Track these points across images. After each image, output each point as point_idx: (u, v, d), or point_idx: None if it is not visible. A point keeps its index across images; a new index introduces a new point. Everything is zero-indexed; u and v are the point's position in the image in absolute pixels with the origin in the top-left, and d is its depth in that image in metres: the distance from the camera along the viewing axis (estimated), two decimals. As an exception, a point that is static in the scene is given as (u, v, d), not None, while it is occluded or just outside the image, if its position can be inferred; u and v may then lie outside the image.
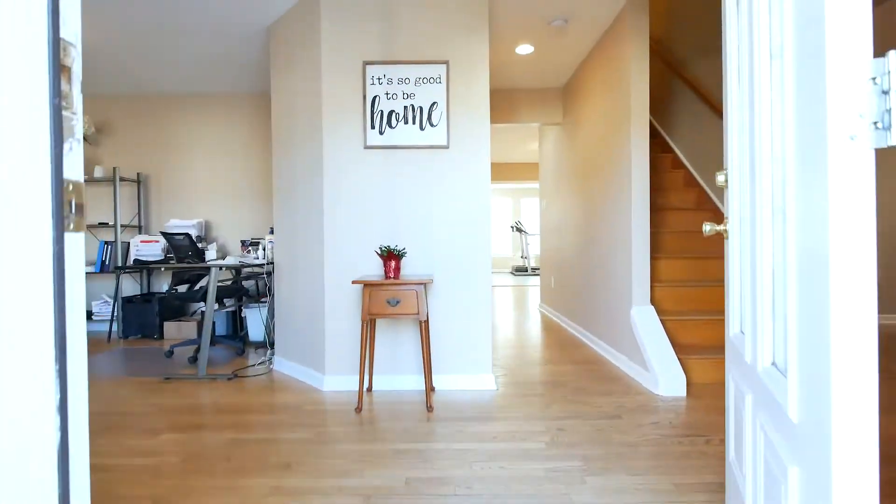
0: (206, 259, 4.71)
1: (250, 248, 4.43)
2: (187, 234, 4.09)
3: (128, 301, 4.61)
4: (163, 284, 4.96)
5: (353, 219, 2.87)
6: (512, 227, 13.33)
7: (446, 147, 2.84)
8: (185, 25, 3.32)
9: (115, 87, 4.67)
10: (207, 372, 3.31)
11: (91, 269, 4.67)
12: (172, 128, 4.95)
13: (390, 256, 2.57)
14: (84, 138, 4.73)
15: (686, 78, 4.33)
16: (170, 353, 3.80)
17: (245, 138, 4.94)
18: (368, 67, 2.85)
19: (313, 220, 2.95)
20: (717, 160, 3.94)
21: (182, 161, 4.96)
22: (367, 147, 2.85)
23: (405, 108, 2.85)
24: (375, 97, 2.85)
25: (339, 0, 2.85)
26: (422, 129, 2.84)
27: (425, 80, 2.84)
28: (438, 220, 2.86)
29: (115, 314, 4.61)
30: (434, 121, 2.84)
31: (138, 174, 4.90)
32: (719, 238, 3.73)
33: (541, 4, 3.10)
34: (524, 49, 3.79)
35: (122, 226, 4.72)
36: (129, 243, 4.78)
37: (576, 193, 4.27)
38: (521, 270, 12.43)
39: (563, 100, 4.71)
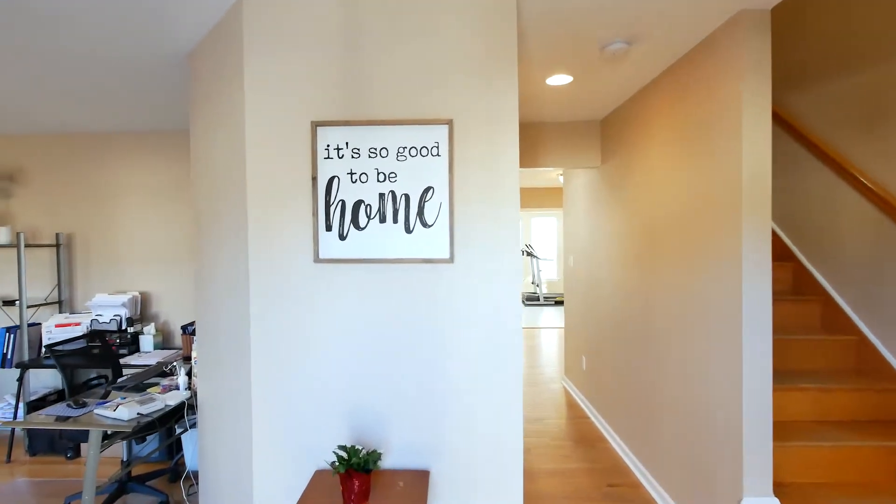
0: (140, 346, 3.65)
1: (192, 336, 3.35)
2: (95, 334, 3.02)
3: (37, 405, 3.55)
4: (91, 373, 3.88)
5: (298, 369, 1.77)
6: (522, 252, 12.21)
7: (448, 260, 1.73)
8: (89, 52, 2.24)
9: (27, 126, 3.60)
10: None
11: (-9, 362, 3.60)
12: (100, 173, 3.87)
13: (351, 475, 1.47)
14: (-14, 190, 3.67)
15: (773, 109, 3.19)
16: (66, 508, 2.73)
17: (189, 183, 3.84)
18: (321, 131, 1.74)
19: (238, 358, 1.85)
20: (820, 222, 2.81)
21: (113, 215, 3.88)
22: (319, 260, 1.75)
23: (381, 196, 1.74)
24: (333, 179, 1.75)
25: (273, 22, 1.75)
26: (409, 230, 1.74)
27: (414, 152, 1.73)
28: (439, 376, 1.76)
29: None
30: (428, 217, 1.74)
31: (57, 235, 3.83)
32: (858, 349, 2.60)
33: (599, 24, 1.98)
34: (559, 80, 2.68)
35: (35, 305, 3.65)
36: (40, 327, 3.71)
37: (622, 267, 3.15)
38: (532, 299, 11.31)
39: (602, 137, 3.59)
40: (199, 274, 2.19)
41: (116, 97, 2.95)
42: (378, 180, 1.74)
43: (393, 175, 1.74)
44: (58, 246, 3.83)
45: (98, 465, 2.31)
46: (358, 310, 1.75)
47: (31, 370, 3.84)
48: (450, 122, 1.71)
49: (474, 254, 1.72)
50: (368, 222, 1.74)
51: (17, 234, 3.53)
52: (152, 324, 3.71)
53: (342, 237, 1.75)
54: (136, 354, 3.48)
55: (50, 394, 3.72)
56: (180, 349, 3.62)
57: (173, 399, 2.34)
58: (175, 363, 2.72)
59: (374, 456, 1.50)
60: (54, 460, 3.41)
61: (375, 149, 1.74)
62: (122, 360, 3.27)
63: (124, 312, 3.62)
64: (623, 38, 2.13)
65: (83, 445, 3.47)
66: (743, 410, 1.89)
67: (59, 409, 2.34)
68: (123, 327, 3.59)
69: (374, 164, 1.74)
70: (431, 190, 1.73)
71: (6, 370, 3.92)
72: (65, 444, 3.48)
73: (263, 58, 1.75)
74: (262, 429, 1.79)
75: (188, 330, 3.40)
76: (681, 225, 2.38)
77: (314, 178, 1.74)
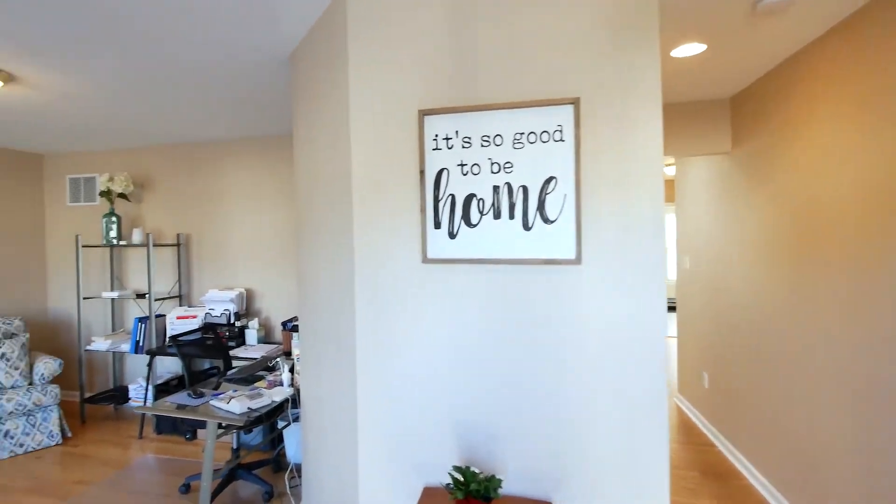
0: (246, 339, 3.84)
1: (292, 332, 3.44)
2: (208, 326, 3.19)
3: (162, 388, 3.88)
4: (204, 362, 4.18)
5: (405, 376, 1.65)
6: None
7: (574, 261, 1.50)
8: (195, 62, 2.33)
9: (154, 138, 3.94)
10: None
11: (127, 348, 4.00)
12: (211, 178, 4.15)
13: (470, 502, 1.30)
14: (124, 197, 4.09)
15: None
16: (185, 489, 2.91)
17: (291, 185, 3.98)
18: (429, 120, 1.60)
19: (343, 360, 1.78)
20: None
21: (221, 216, 4.13)
22: (427, 260, 1.61)
23: (495, 189, 1.56)
24: (442, 172, 1.60)
25: (378, 8, 1.63)
26: (527, 226, 1.54)
27: (533, 138, 1.52)
28: (563, 392, 1.53)
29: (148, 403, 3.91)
30: (550, 212, 1.52)
31: (178, 235, 4.17)
32: None
33: (754, -30, 1.62)
34: (688, 50, 2.31)
35: (160, 298, 4.01)
36: (165, 318, 4.06)
37: (766, 270, 2.68)
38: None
39: (732, 118, 3.10)
40: (302, 273, 2.17)
41: (225, 107, 3.08)
42: (492, 171, 1.55)
43: (508, 165, 1.54)
44: (178, 245, 4.16)
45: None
46: (469, 315, 1.59)
47: (157, 357, 4.22)
48: (575, 102, 1.48)
49: (606, 254, 1.47)
50: (481, 218, 1.57)
51: (147, 234, 3.89)
52: (256, 319, 3.89)
53: (452, 235, 1.59)
54: (243, 347, 3.66)
55: (172, 378, 4.06)
56: (281, 344, 3.75)
57: (278, 395, 2.37)
58: (278, 359, 2.78)
59: (494, 483, 1.32)
60: (176, 440, 3.70)
61: (488, 136, 1.55)
62: (230, 352, 3.46)
63: (232, 307, 3.83)
64: (786, -11, 1.74)
65: (200, 430, 3.73)
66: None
67: (181, 397, 2.47)
68: (232, 321, 3.79)
69: (487, 154, 1.56)
70: (554, 181, 1.51)
71: (139, 355, 4.36)
72: (185, 427, 3.76)
73: (368, 47, 1.64)
74: (368, 435, 1.69)
75: (288, 326, 3.50)
76: (865, 218, 1.91)
77: (422, 172, 1.60)
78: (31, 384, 3.58)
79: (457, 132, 1.58)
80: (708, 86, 2.87)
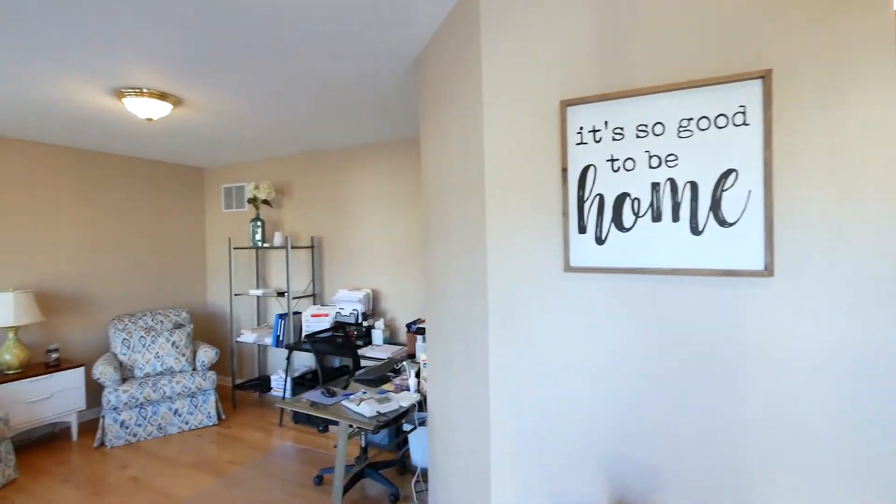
0: (372, 339, 3.99)
1: (416, 334, 3.49)
2: (338, 325, 3.35)
3: (298, 381, 4.20)
4: (335, 359, 4.46)
5: (545, 397, 1.50)
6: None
7: (763, 272, 1.21)
8: (333, 73, 2.45)
9: (294, 148, 4.32)
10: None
11: (269, 341, 4.43)
12: (341, 183, 4.41)
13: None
14: (267, 203, 4.54)
15: None
16: (318, 481, 3.08)
17: (413, 189, 4.05)
18: (572, 111, 1.42)
19: (474, 372, 1.68)
20: None
21: (350, 220, 4.37)
22: (569, 268, 1.44)
23: (654, 186, 1.33)
24: (588, 169, 1.41)
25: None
26: (696, 230, 1.28)
27: (705, 123, 1.26)
28: (747, 443, 1.25)
29: (287, 395, 4.28)
30: (728, 212, 1.25)
31: (312, 238, 4.51)
32: None
33: None
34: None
35: (297, 297, 4.37)
36: (301, 315, 4.41)
37: None
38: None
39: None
40: (429, 276, 2.12)
41: (356, 114, 3.21)
42: (650, 166, 1.33)
43: (672, 158, 1.30)
44: (312, 248, 4.49)
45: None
46: (621, 332, 1.38)
47: (294, 351, 4.60)
48: (766, 75, 1.19)
49: (811, 263, 1.16)
50: (636, 221, 1.35)
51: (286, 238, 4.25)
52: (381, 319, 4.02)
53: (599, 241, 1.39)
54: (369, 347, 3.81)
55: (307, 372, 4.39)
56: (405, 345, 3.82)
57: (406, 401, 2.37)
58: (404, 362, 2.81)
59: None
60: (310, 430, 3.98)
61: (646, 125, 1.33)
62: (358, 351, 3.61)
63: (360, 307, 4.01)
64: None
65: (331, 424, 3.97)
66: None
67: (315, 395, 2.60)
68: (359, 321, 3.97)
69: (644, 146, 1.33)
70: (733, 174, 1.23)
71: (279, 349, 4.80)
72: (318, 420, 4.03)
73: (503, 37, 1.52)
74: (501, 454, 1.57)
75: (412, 328, 3.54)
76: None
77: (564, 170, 1.43)
78: (194, 370, 4.13)
79: (606, 123, 1.38)
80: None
